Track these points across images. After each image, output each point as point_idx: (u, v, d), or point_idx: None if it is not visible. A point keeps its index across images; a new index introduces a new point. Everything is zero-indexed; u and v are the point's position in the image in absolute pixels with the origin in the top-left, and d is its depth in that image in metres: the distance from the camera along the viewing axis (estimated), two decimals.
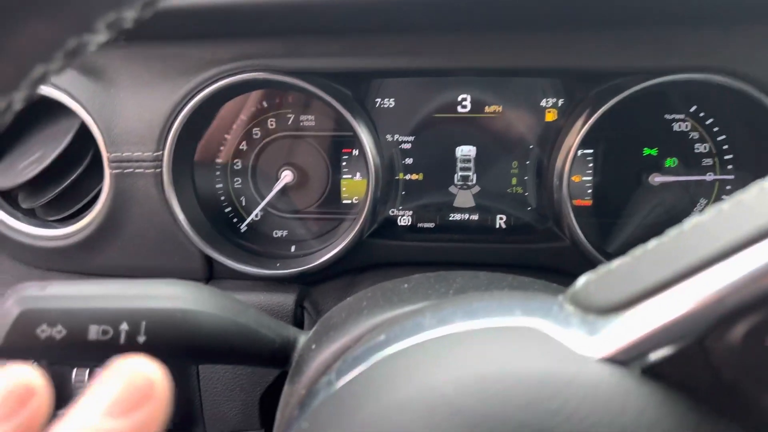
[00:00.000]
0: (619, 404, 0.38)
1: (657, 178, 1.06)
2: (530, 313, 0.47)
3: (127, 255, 1.06)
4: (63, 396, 1.04)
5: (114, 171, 1.01)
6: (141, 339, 0.64)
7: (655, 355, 0.39)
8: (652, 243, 0.43)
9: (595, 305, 0.43)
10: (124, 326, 0.64)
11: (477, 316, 0.49)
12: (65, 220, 1.08)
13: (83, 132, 1.01)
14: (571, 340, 0.43)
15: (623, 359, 0.40)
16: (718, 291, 0.36)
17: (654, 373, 0.39)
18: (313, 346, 0.70)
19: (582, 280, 0.46)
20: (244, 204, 1.16)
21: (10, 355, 0.66)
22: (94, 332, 0.63)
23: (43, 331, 0.62)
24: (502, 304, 0.50)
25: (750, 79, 0.92)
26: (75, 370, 1.03)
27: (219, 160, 1.14)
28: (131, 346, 0.64)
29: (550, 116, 1.10)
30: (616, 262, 0.45)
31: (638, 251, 0.44)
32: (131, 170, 1.00)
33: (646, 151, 1.09)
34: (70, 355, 0.66)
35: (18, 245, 1.08)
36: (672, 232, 0.42)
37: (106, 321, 0.64)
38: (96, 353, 0.64)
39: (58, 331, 0.63)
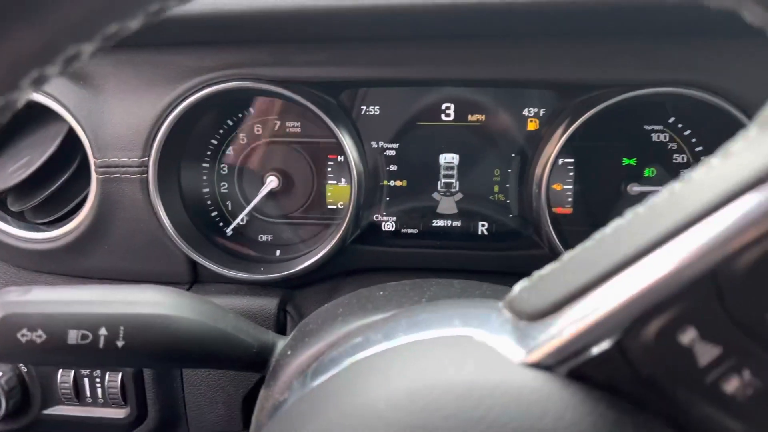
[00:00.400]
0: (540, 408, 0.39)
1: (635, 188, 1.08)
2: (468, 322, 0.48)
3: (113, 258, 1.08)
4: (48, 396, 1.06)
5: (101, 176, 1.02)
6: (120, 343, 0.66)
7: (579, 359, 0.39)
8: (579, 247, 0.43)
9: (526, 311, 0.43)
10: (102, 331, 0.66)
11: (418, 329, 0.50)
12: (53, 223, 1.09)
13: (71, 137, 1.03)
14: (503, 347, 0.43)
15: (549, 364, 0.40)
16: (631, 292, 0.37)
17: (578, 375, 0.40)
18: (289, 352, 0.72)
19: (518, 287, 0.46)
20: (230, 208, 1.18)
21: None
22: (73, 337, 0.65)
23: (24, 335, 0.64)
24: (445, 314, 0.51)
25: (724, 94, 0.94)
26: (60, 370, 1.05)
27: (205, 165, 1.16)
28: (110, 350, 0.66)
29: (532, 125, 1.12)
30: (548, 268, 0.45)
31: (566, 255, 0.44)
32: (118, 175, 1.02)
33: (626, 161, 1.11)
34: (50, 358, 0.68)
35: (7, 247, 1.10)
36: (596, 235, 0.42)
37: (85, 326, 0.65)
38: (76, 357, 0.66)
39: (39, 336, 0.64)
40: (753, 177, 0.35)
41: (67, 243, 1.07)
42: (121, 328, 0.66)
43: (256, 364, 0.76)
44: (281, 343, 0.77)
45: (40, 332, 0.65)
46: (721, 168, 0.37)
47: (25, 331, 0.64)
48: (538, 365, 0.41)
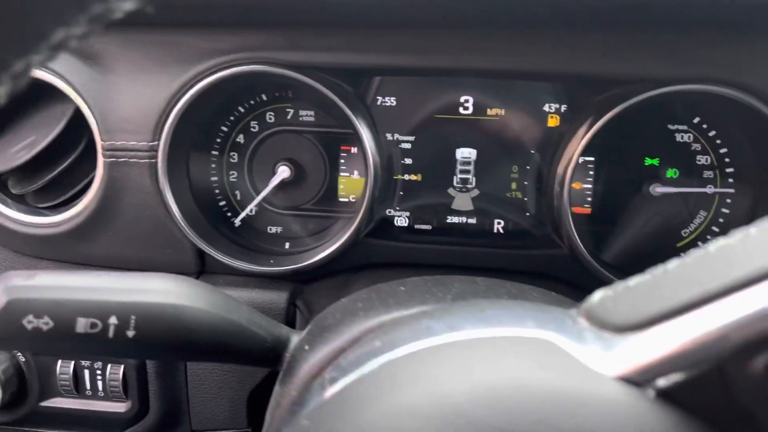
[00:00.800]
0: (635, 426, 0.38)
1: (658, 189, 1.05)
2: (543, 324, 0.46)
3: (117, 245, 1.04)
4: (46, 387, 1.02)
5: (108, 159, 0.98)
6: (130, 334, 0.63)
7: (672, 378, 0.38)
8: (674, 263, 0.42)
9: (611, 322, 0.42)
10: (113, 320, 0.62)
11: (489, 324, 0.48)
12: (55, 208, 1.05)
13: (77, 118, 0.99)
14: (586, 356, 0.42)
15: (639, 380, 0.39)
16: (742, 318, 0.35)
17: (669, 396, 0.38)
18: (306, 347, 0.69)
19: (598, 296, 0.45)
20: (239, 198, 1.14)
21: None
22: (82, 325, 0.61)
23: (30, 322, 0.60)
24: (514, 313, 0.49)
25: (755, 92, 0.91)
26: (60, 361, 1.01)
27: (214, 152, 1.12)
28: (120, 340, 0.62)
29: (553, 122, 1.09)
30: (635, 280, 0.44)
31: (658, 270, 0.43)
32: (125, 159, 0.98)
33: (648, 160, 1.08)
34: (56, 347, 0.64)
35: (6, 231, 1.06)
36: (696, 253, 0.41)
37: (94, 314, 0.62)
38: (84, 346, 0.63)
39: (45, 323, 0.61)
40: None
41: (70, 228, 1.03)
42: (133, 317, 0.63)
43: (269, 359, 0.73)
44: (295, 337, 0.74)
45: (46, 319, 0.61)
46: None
47: (31, 317, 0.61)
48: (627, 380, 0.39)
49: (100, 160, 0.99)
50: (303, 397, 0.60)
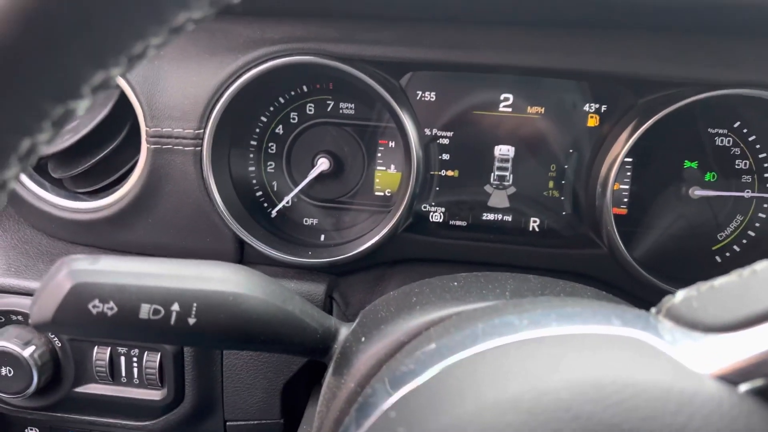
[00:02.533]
0: (733, 424, 0.38)
1: (697, 191, 1.05)
2: (629, 323, 0.46)
3: (157, 233, 1.03)
4: (81, 373, 1.02)
5: (152, 146, 0.98)
6: (191, 321, 0.63)
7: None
8: (762, 264, 0.43)
9: (701, 322, 0.43)
10: (175, 307, 0.62)
11: (574, 321, 0.48)
12: (94, 193, 1.05)
13: (121, 103, 0.99)
14: (680, 354, 0.42)
15: (735, 379, 0.40)
16: None
17: (763, 395, 0.39)
18: (363, 339, 0.69)
19: (680, 296, 0.46)
20: (275, 189, 1.14)
21: (60, 328, 0.63)
22: (145, 311, 0.61)
23: (95, 306, 0.60)
24: (596, 311, 0.49)
25: None
26: (96, 347, 1.01)
27: (253, 143, 1.12)
28: (180, 327, 0.62)
29: (592, 122, 1.09)
30: (720, 280, 0.45)
31: (746, 271, 0.44)
32: (170, 146, 0.98)
33: (687, 163, 1.08)
34: (119, 332, 0.64)
35: (43, 215, 1.05)
36: None
37: (158, 300, 0.62)
38: (145, 333, 0.62)
39: (110, 308, 0.61)
40: None
41: (110, 214, 1.02)
42: (194, 304, 0.63)
43: (318, 350, 0.73)
44: (344, 330, 0.75)
45: (111, 304, 0.61)
46: None
47: (96, 302, 0.61)
48: (725, 378, 0.40)
49: (144, 147, 0.99)
50: (366, 390, 0.60)
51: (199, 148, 0.98)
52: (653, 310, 0.50)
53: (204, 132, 0.97)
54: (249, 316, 0.65)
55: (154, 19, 0.32)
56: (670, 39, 0.95)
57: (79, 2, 0.27)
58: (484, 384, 0.45)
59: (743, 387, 0.40)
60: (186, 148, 0.98)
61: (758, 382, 0.39)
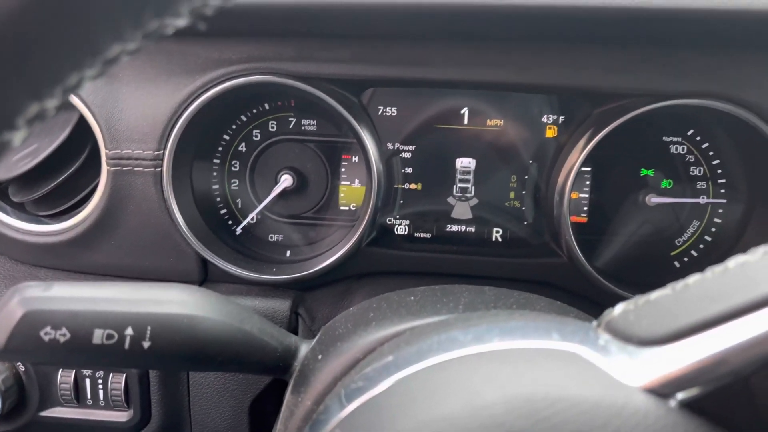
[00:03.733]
0: None
1: (653, 199, 1.08)
2: (568, 337, 0.48)
3: (119, 254, 1.03)
4: (46, 397, 1.01)
5: (112, 168, 0.98)
6: (146, 344, 0.63)
7: (698, 390, 0.39)
8: (694, 278, 0.44)
9: (635, 336, 0.44)
10: (129, 331, 0.63)
11: (514, 336, 0.49)
12: (57, 216, 1.05)
13: (81, 126, 0.99)
14: (612, 368, 0.43)
15: (665, 391, 0.41)
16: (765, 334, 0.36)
17: (694, 406, 0.40)
18: (320, 357, 0.70)
19: (619, 309, 0.47)
20: (240, 206, 1.14)
21: (12, 356, 0.63)
22: (98, 336, 0.62)
23: (47, 333, 0.60)
24: (538, 325, 0.51)
25: (750, 106, 0.94)
26: (60, 370, 1.00)
27: (216, 161, 1.12)
28: (135, 351, 0.62)
29: (550, 132, 1.11)
30: (655, 294, 0.45)
31: (678, 285, 0.45)
32: (130, 168, 0.98)
33: (643, 171, 1.10)
34: (73, 358, 0.64)
35: (5, 239, 1.05)
36: (716, 269, 0.43)
37: (111, 325, 0.62)
38: (99, 358, 0.63)
39: (62, 334, 0.61)
40: None
41: (72, 237, 1.02)
42: (149, 328, 0.63)
43: (279, 368, 0.74)
44: (304, 347, 0.75)
45: (64, 330, 0.61)
46: None
47: (48, 329, 0.61)
48: (654, 391, 0.41)
49: (104, 169, 0.99)
50: (321, 408, 0.61)
51: (159, 169, 0.98)
52: (594, 323, 0.51)
53: (163, 153, 0.98)
54: (205, 337, 0.65)
55: (88, 51, 0.32)
56: (622, 52, 0.97)
57: (8, 35, 0.28)
58: (424, 400, 0.46)
59: (672, 399, 0.41)
60: (146, 170, 0.98)
61: (686, 394, 0.40)
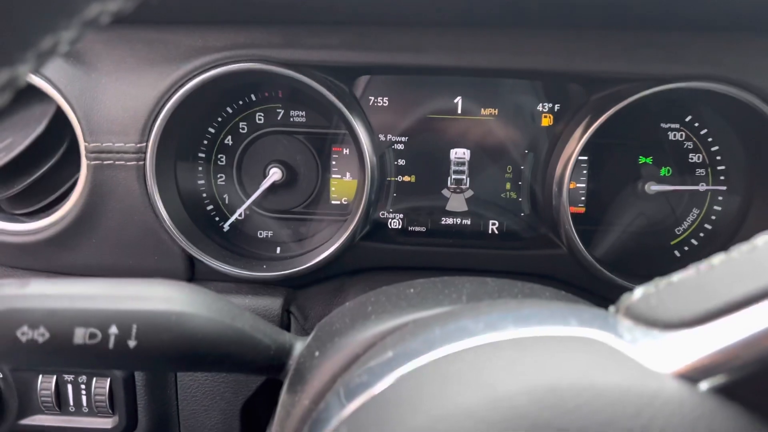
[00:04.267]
0: (694, 423, 0.36)
1: (653, 187, 1.05)
2: (587, 323, 0.45)
3: (101, 253, 0.99)
4: (28, 404, 0.96)
5: (92, 162, 0.93)
6: (131, 344, 0.59)
7: (729, 375, 0.36)
8: (719, 258, 0.42)
9: (659, 320, 0.42)
10: (113, 330, 0.58)
11: (531, 323, 0.46)
12: (34, 214, 1.00)
13: (59, 119, 0.94)
14: (639, 354, 0.41)
15: (696, 377, 0.38)
16: None
17: (726, 391, 0.37)
18: (317, 354, 0.66)
19: (638, 294, 0.44)
20: (227, 202, 1.10)
21: None
22: (80, 336, 0.57)
23: (24, 333, 0.56)
24: (554, 312, 0.48)
25: (752, 89, 0.92)
26: (41, 376, 0.95)
27: (201, 155, 1.08)
28: (120, 351, 0.58)
29: (546, 121, 1.08)
30: (677, 276, 0.43)
31: (703, 266, 0.42)
32: (111, 162, 0.93)
33: (642, 159, 1.08)
34: (53, 360, 0.59)
35: None
36: (743, 248, 0.40)
37: (93, 323, 0.58)
38: (82, 359, 0.58)
39: (41, 334, 0.56)
40: None
41: (50, 236, 0.97)
42: (134, 326, 0.59)
43: (273, 367, 0.70)
44: (299, 344, 0.71)
45: (42, 330, 0.57)
46: None
47: (25, 328, 0.56)
48: (684, 377, 0.38)
49: (84, 163, 0.94)
50: (320, 407, 0.57)
51: (142, 162, 0.94)
52: (612, 308, 0.48)
53: (146, 145, 0.93)
54: (195, 335, 0.61)
55: (63, 9, 0.28)
56: (619, 36, 0.95)
57: None
58: (438, 393, 0.43)
59: (704, 385, 0.38)
60: (128, 163, 0.94)
61: (719, 380, 0.38)
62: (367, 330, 0.65)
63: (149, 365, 0.77)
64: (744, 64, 0.92)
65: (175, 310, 0.61)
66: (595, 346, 0.43)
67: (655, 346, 0.41)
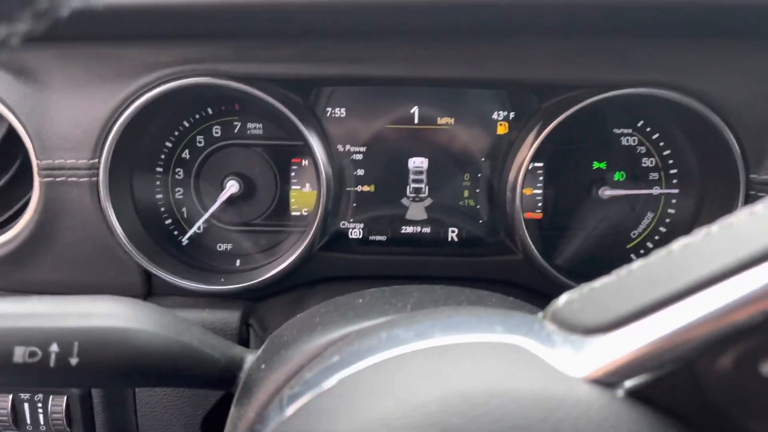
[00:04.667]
0: (608, 428, 0.37)
1: (607, 192, 1.07)
2: (512, 329, 0.46)
3: (56, 270, 0.98)
4: None
5: (44, 179, 0.93)
6: (73, 361, 0.59)
7: (643, 378, 0.37)
8: (638, 263, 0.42)
9: (579, 325, 0.42)
10: (54, 347, 0.58)
11: (458, 331, 0.47)
12: None
13: (10, 136, 0.94)
14: (556, 359, 0.42)
15: (610, 381, 0.39)
16: (709, 315, 0.35)
17: (640, 395, 0.38)
18: (263, 366, 0.67)
19: (563, 299, 0.45)
20: (185, 216, 1.10)
21: None
22: (20, 354, 0.57)
23: None
24: (482, 319, 0.49)
25: (698, 95, 0.94)
26: None
27: (159, 169, 1.08)
28: (62, 369, 0.58)
29: (502, 129, 1.10)
30: (600, 282, 0.44)
31: (623, 271, 0.43)
32: (64, 179, 0.93)
33: (596, 164, 1.10)
34: None
35: None
36: (660, 253, 0.41)
37: (33, 342, 0.58)
38: (23, 378, 0.58)
39: None
40: None
41: (4, 254, 0.97)
42: (76, 343, 0.59)
43: (223, 381, 0.70)
44: (250, 357, 0.72)
45: None
46: None
47: None
48: (598, 381, 0.39)
49: (37, 180, 0.94)
50: (262, 418, 0.58)
51: (95, 179, 0.93)
52: (540, 314, 0.49)
53: (99, 161, 0.93)
54: (140, 351, 0.62)
55: None
56: (568, 43, 0.96)
57: None
58: (361, 402, 0.43)
59: (616, 388, 0.39)
60: (81, 179, 0.93)
61: (632, 383, 0.39)
62: (312, 341, 0.65)
63: (95, 382, 0.77)
64: (686, 69, 0.95)
65: (119, 326, 0.61)
66: (515, 351, 0.44)
67: (574, 351, 0.42)
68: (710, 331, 0.35)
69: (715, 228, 0.39)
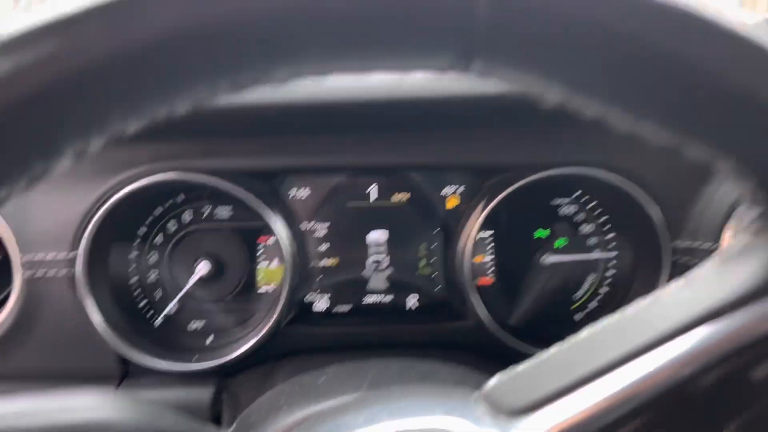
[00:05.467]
0: None
1: (549, 259, 1.17)
2: (450, 412, 0.51)
3: (36, 359, 1.03)
4: None
5: (26, 272, 0.99)
6: None
7: None
8: (554, 348, 0.46)
9: (505, 406, 0.46)
10: None
11: (403, 414, 0.52)
12: None
13: None
14: None
15: None
16: (609, 397, 0.40)
17: None
18: None
19: (493, 381, 0.49)
20: (157, 299, 1.16)
21: None
22: None
23: None
24: (425, 403, 0.54)
25: (623, 172, 1.05)
26: None
27: (133, 255, 1.14)
28: None
29: (453, 202, 1.19)
30: (523, 365, 0.47)
31: (543, 354, 0.47)
32: (44, 271, 0.99)
33: (538, 233, 1.19)
34: None
35: None
36: (571, 339, 0.46)
37: None
38: None
39: None
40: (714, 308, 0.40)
41: None
42: None
43: None
44: None
45: None
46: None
47: None
48: None
49: (18, 276, 1.00)
50: None
51: (73, 270, 1.00)
52: (475, 394, 0.55)
53: (77, 254, 1.00)
54: None
55: None
56: (503, 131, 1.08)
57: None
58: None
59: None
60: (60, 271, 1.00)
61: None
62: (277, 422, 0.72)
63: None
64: (612, 148, 1.06)
65: (99, 420, 0.66)
66: None
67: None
68: (607, 412, 0.40)
69: (616, 317, 0.44)
